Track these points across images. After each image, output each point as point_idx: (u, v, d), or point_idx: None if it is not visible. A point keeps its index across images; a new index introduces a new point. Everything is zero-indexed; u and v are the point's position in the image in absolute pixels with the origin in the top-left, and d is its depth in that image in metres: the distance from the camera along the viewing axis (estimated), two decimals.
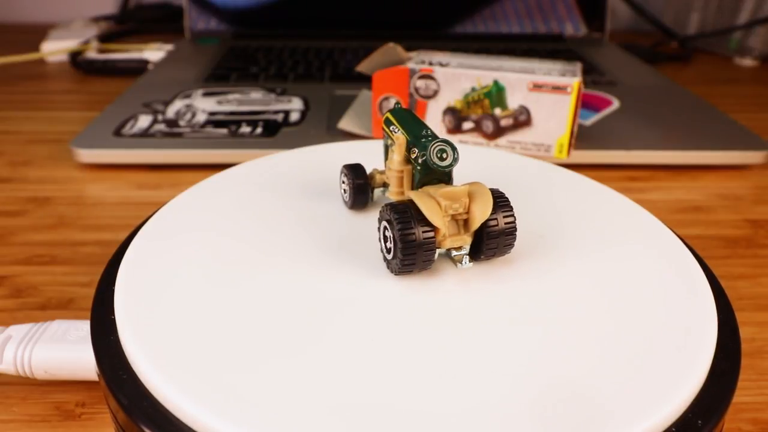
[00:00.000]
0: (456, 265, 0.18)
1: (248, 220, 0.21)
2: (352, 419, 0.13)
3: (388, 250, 0.18)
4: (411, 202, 0.17)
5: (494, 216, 0.17)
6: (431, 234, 0.17)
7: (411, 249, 0.17)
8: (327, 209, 0.21)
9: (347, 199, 0.21)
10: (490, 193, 0.17)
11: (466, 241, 0.17)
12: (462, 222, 0.18)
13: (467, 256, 0.18)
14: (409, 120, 0.19)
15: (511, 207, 0.18)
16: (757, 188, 0.35)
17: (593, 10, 0.61)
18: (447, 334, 0.16)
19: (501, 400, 0.14)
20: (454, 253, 0.18)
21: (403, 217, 0.17)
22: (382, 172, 0.21)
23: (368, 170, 0.24)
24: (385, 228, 0.18)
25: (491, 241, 0.18)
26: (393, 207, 0.17)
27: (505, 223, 0.17)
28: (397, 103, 0.20)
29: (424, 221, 0.17)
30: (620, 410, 0.13)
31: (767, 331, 0.24)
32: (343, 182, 0.21)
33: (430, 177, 0.18)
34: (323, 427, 0.13)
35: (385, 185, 0.21)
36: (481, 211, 0.17)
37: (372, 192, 0.21)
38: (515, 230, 0.18)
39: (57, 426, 0.19)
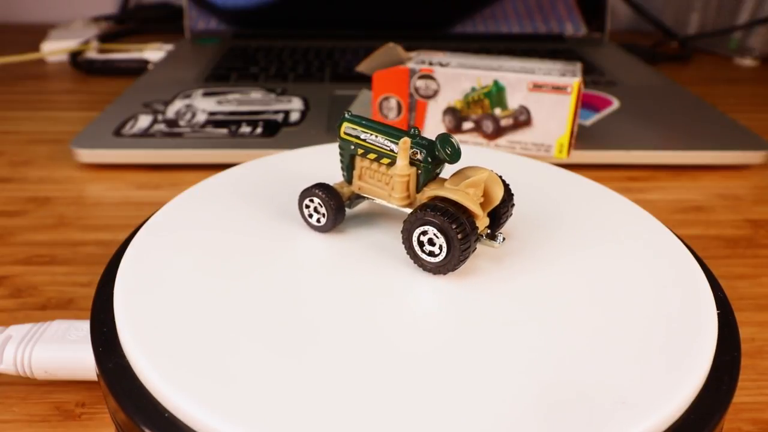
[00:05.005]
0: (494, 245, 0.19)
1: (249, 220, 0.21)
2: (352, 418, 0.13)
3: (431, 254, 0.18)
4: (441, 199, 0.18)
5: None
6: (476, 224, 0.18)
7: (467, 243, 0.17)
8: None
9: (323, 223, 0.20)
10: (496, 175, 0.18)
11: (487, 221, 0.18)
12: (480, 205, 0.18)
13: (500, 234, 0.19)
14: (376, 124, 0.19)
15: (505, 180, 0.19)
16: (757, 188, 0.35)
17: (593, 10, 0.61)
18: (447, 333, 0.16)
19: (502, 401, 0.14)
20: (483, 236, 0.19)
21: (451, 216, 0.17)
22: (343, 185, 0.20)
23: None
24: (422, 233, 0.18)
25: (503, 215, 0.19)
26: (431, 209, 0.17)
27: (509, 196, 0.19)
28: (348, 110, 0.20)
29: (466, 213, 0.17)
30: (620, 411, 0.13)
31: (767, 331, 0.24)
32: (307, 207, 0.20)
33: (431, 175, 0.18)
34: (324, 426, 0.13)
35: (351, 198, 0.20)
36: (496, 193, 0.18)
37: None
38: (513, 196, 0.19)
39: (57, 426, 0.19)
